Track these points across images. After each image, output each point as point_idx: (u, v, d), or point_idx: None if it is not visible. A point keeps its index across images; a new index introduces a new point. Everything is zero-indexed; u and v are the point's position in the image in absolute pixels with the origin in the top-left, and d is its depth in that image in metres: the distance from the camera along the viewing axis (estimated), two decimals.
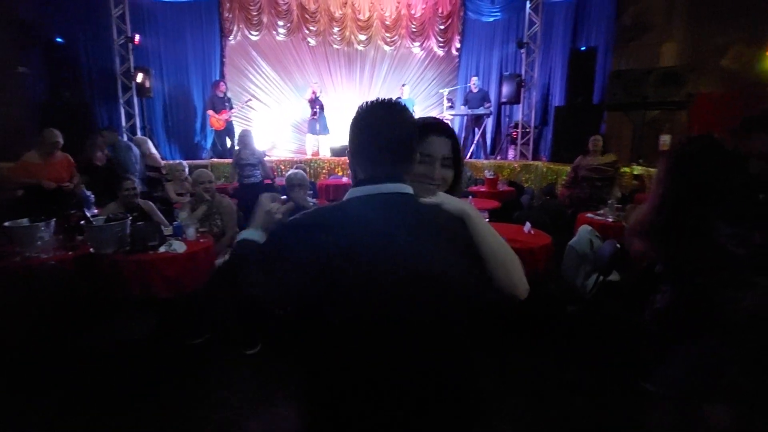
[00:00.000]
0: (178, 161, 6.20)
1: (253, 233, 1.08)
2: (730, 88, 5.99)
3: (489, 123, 9.25)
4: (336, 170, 8.16)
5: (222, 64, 8.77)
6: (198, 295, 3.15)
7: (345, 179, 7.15)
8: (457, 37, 9.65)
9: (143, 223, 3.24)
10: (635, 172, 6.05)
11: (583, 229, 3.59)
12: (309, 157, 8.58)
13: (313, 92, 8.62)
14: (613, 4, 7.66)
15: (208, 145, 8.55)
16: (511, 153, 8.90)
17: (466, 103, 8.73)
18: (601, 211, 4.14)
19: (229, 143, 8.18)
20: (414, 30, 9.61)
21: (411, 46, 9.75)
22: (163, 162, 6.36)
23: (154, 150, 6.27)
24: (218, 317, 3.32)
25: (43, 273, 2.75)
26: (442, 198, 1.04)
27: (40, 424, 2.39)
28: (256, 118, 9.21)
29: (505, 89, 8.58)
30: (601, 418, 2.44)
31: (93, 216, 3.42)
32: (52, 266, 2.83)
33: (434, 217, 0.99)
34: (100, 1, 7.20)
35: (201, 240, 3.33)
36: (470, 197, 4.68)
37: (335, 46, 9.51)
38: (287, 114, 9.50)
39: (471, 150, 8.86)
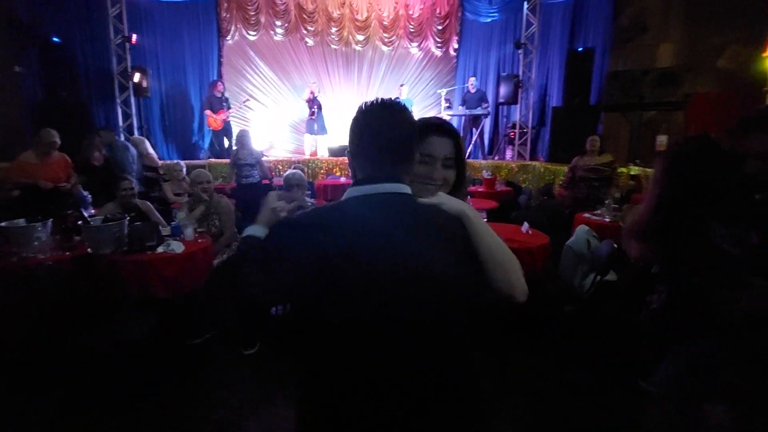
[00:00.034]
0: (175, 161, 6.19)
1: (258, 230, 1.09)
2: (727, 89, 6.02)
3: (487, 123, 9.27)
4: (334, 170, 8.16)
5: (219, 63, 8.75)
6: (198, 294, 3.15)
7: (343, 179, 7.15)
8: (455, 38, 9.66)
9: (141, 223, 3.24)
10: (632, 173, 6.07)
11: (581, 229, 3.60)
12: (307, 157, 8.57)
13: (311, 92, 8.61)
14: (610, 5, 7.68)
15: (206, 145, 8.53)
16: (508, 153, 8.92)
17: (463, 103, 8.74)
18: (599, 211, 4.15)
19: (226, 143, 8.16)
20: (412, 30, 9.62)
21: (409, 46, 9.75)
22: (160, 162, 6.35)
23: (151, 150, 6.25)
24: (218, 316, 3.32)
25: (40, 273, 2.74)
26: (441, 198, 1.04)
27: (40, 424, 2.38)
28: (253, 118, 9.20)
29: (503, 90, 8.60)
30: (601, 418, 2.44)
31: (90, 216, 3.41)
32: (49, 266, 2.82)
33: (432, 217, 0.99)
34: (97, 0, 7.18)
35: (199, 240, 3.32)
36: (468, 197, 4.68)
37: (333, 46, 9.50)
38: (285, 114, 9.50)
39: (469, 150, 8.87)
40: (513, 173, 8.08)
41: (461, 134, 8.86)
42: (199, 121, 8.56)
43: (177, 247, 3.08)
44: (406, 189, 1.01)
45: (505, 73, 8.90)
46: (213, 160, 7.80)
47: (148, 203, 3.87)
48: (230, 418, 2.44)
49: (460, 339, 0.99)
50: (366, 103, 1.02)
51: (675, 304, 1.45)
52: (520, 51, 8.52)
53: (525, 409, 2.55)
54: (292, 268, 0.91)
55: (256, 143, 6.55)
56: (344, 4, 9.32)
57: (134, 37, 7.37)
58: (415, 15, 9.57)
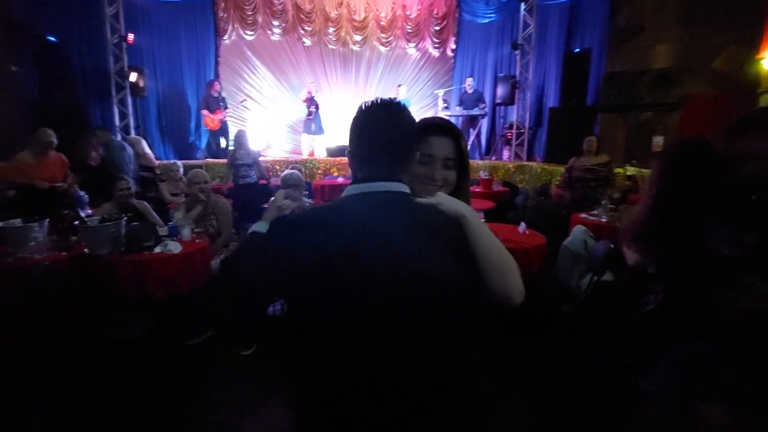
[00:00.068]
0: (172, 161, 6.17)
1: (263, 226, 1.10)
2: (723, 90, 6.05)
3: (484, 124, 9.29)
4: (331, 170, 8.16)
5: (217, 63, 8.72)
6: (195, 295, 3.14)
7: (341, 179, 7.15)
8: (452, 38, 9.67)
9: (138, 223, 3.23)
10: (628, 173, 6.09)
11: (577, 230, 3.62)
12: (304, 157, 8.57)
13: (309, 92, 8.61)
14: (606, 7, 7.70)
15: (203, 145, 8.51)
16: (505, 154, 8.94)
17: (461, 103, 8.76)
18: (595, 212, 4.17)
19: (223, 143, 8.14)
20: (409, 31, 9.63)
21: (406, 46, 9.76)
22: (157, 162, 6.33)
23: (148, 150, 6.23)
24: (217, 316, 3.32)
25: (36, 274, 2.73)
26: (440, 198, 1.03)
27: (40, 424, 2.38)
28: (251, 118, 9.18)
29: (500, 90, 8.61)
30: (601, 418, 2.44)
31: (87, 216, 3.40)
32: (45, 267, 2.81)
33: (429, 216, 0.98)
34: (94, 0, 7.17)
35: (196, 240, 3.32)
36: (470, 198, 4.69)
37: (330, 46, 9.51)
38: (282, 114, 9.49)
39: None
40: (510, 174, 8.10)
41: None
42: (196, 120, 8.54)
43: (174, 247, 3.07)
44: (404, 188, 1.01)
45: (502, 74, 8.92)
46: (210, 160, 7.79)
47: (145, 203, 3.87)
48: (230, 418, 2.44)
49: (460, 339, 1.00)
50: (366, 103, 1.02)
51: (674, 304, 1.45)
52: (517, 52, 8.53)
53: (525, 409, 2.55)
54: (290, 265, 0.91)
55: (254, 143, 6.54)
56: (342, 4, 9.32)
57: (131, 36, 7.35)
58: (413, 15, 9.58)
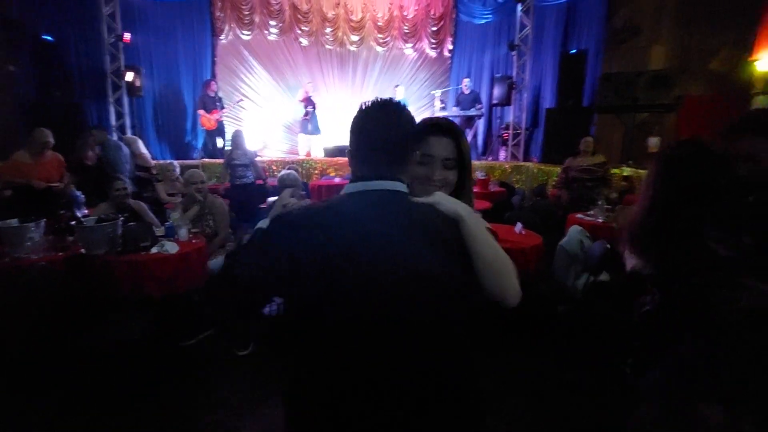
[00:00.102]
0: (169, 161, 6.15)
1: (267, 223, 1.10)
2: (719, 91, 6.08)
3: (480, 124, 9.31)
4: (328, 171, 8.15)
5: (213, 63, 8.71)
6: (195, 293, 3.14)
7: (338, 180, 7.14)
8: (449, 39, 9.69)
9: (135, 223, 3.22)
10: (625, 174, 6.12)
11: (574, 230, 3.63)
12: (301, 157, 8.56)
13: (306, 92, 8.60)
14: (603, 8, 7.74)
15: (199, 144, 8.50)
16: (502, 154, 8.96)
17: (457, 104, 8.77)
18: (591, 212, 4.18)
19: (220, 143, 8.13)
20: (406, 31, 9.64)
21: (403, 47, 9.77)
22: (153, 162, 6.31)
23: (144, 150, 6.21)
24: (216, 316, 3.32)
25: (33, 274, 2.72)
26: (437, 198, 1.02)
27: (40, 424, 2.38)
28: (247, 118, 9.16)
29: (497, 91, 8.64)
30: (601, 418, 2.43)
31: (84, 216, 3.39)
32: (42, 267, 2.80)
33: (426, 216, 0.98)
34: None
35: (193, 241, 3.32)
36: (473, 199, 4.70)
37: (327, 46, 9.50)
38: (279, 114, 9.47)
39: None
40: (506, 174, 8.12)
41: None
42: (193, 120, 8.52)
43: (171, 247, 3.07)
44: (402, 187, 1.01)
45: (498, 75, 8.94)
46: (206, 160, 7.77)
47: (142, 203, 3.85)
48: (230, 418, 2.44)
49: (460, 339, 1.00)
50: (365, 102, 1.03)
51: (673, 304, 1.46)
52: (513, 53, 8.55)
53: (525, 409, 2.55)
54: (287, 263, 0.92)
55: (250, 143, 6.53)
56: (339, 4, 9.32)
57: (128, 36, 7.32)
58: (410, 16, 9.58)
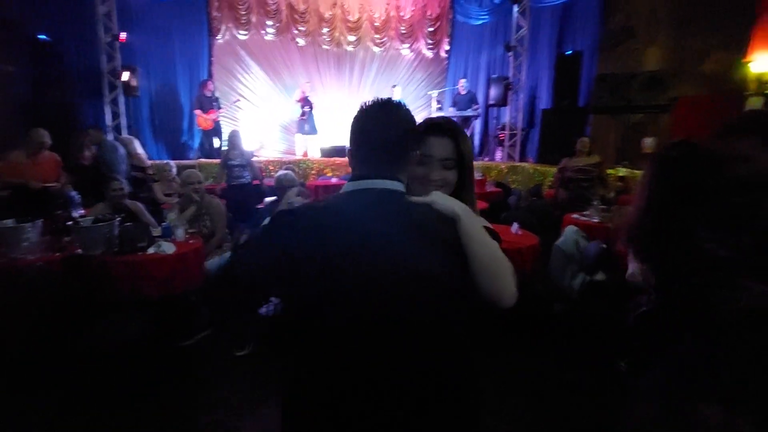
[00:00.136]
0: (165, 161, 6.14)
1: None
2: (712, 92, 6.12)
3: (477, 125, 9.34)
4: (325, 171, 8.13)
5: (210, 63, 8.70)
6: (190, 295, 3.14)
7: (334, 180, 7.14)
8: (446, 40, 9.72)
9: (132, 224, 3.22)
10: (620, 174, 6.15)
11: (569, 230, 3.65)
12: (298, 157, 8.55)
13: (303, 92, 8.59)
14: (598, 9, 7.77)
15: (196, 144, 8.47)
16: (498, 154, 8.99)
17: (454, 104, 8.79)
18: (587, 212, 4.20)
19: (216, 143, 8.11)
20: (403, 32, 9.65)
21: (400, 47, 9.79)
22: (149, 162, 6.28)
23: (140, 150, 6.17)
24: (214, 315, 3.32)
25: (31, 274, 2.72)
26: (434, 197, 1.00)
27: (39, 424, 2.38)
28: (244, 118, 9.15)
29: (493, 92, 8.66)
30: (601, 418, 2.42)
31: (81, 216, 3.38)
32: (39, 267, 2.79)
33: (422, 215, 0.97)
34: None
35: (190, 241, 3.31)
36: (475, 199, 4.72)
37: (324, 46, 9.50)
38: (276, 114, 9.46)
39: None
40: (503, 174, 8.14)
41: None
42: (189, 120, 8.50)
43: (168, 248, 3.07)
44: (399, 186, 1.01)
45: (495, 75, 8.96)
46: (203, 160, 7.74)
47: (139, 204, 3.84)
48: (230, 418, 2.45)
49: (460, 339, 1.00)
50: (366, 102, 1.04)
51: (674, 304, 1.46)
52: (510, 53, 8.57)
53: (525, 409, 2.55)
54: (287, 262, 0.93)
55: (247, 143, 6.52)
56: (336, 4, 9.32)
57: (124, 35, 7.29)
58: (406, 16, 9.60)
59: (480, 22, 9.37)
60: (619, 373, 2.35)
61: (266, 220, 1.14)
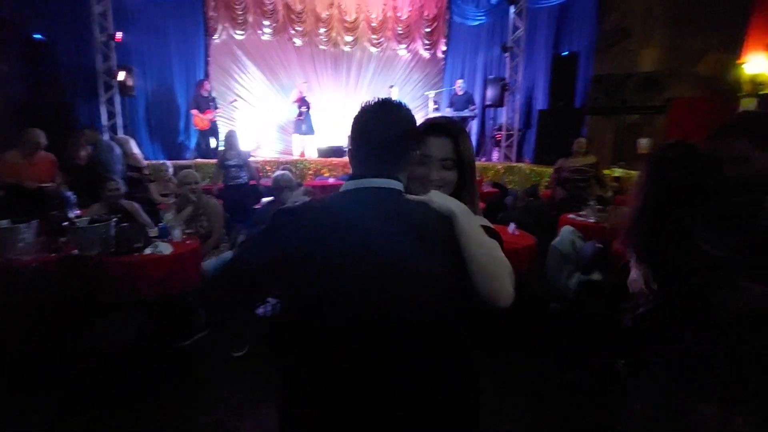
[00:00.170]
0: (161, 161, 6.11)
1: None
2: (707, 93, 6.16)
3: (474, 125, 9.36)
4: (322, 171, 8.13)
5: (206, 63, 8.68)
6: (187, 295, 3.13)
7: (332, 180, 7.14)
8: (443, 40, 9.74)
9: (128, 224, 3.21)
10: (616, 174, 6.18)
11: (566, 230, 3.67)
12: (295, 157, 8.54)
13: (300, 92, 8.58)
14: (594, 11, 7.80)
15: (192, 144, 8.45)
16: (495, 155, 9.02)
17: (451, 105, 8.82)
18: (583, 212, 4.22)
19: (213, 143, 8.09)
20: (400, 32, 9.66)
21: (397, 48, 9.80)
22: (146, 162, 6.25)
23: (136, 150, 6.13)
24: (212, 315, 3.31)
25: (27, 275, 2.70)
26: (432, 196, 1.00)
27: (39, 424, 2.37)
28: (240, 118, 9.13)
29: (490, 92, 8.69)
30: (601, 418, 2.41)
31: (76, 217, 3.37)
32: (35, 268, 2.78)
33: (422, 215, 0.97)
34: None
35: (187, 241, 3.31)
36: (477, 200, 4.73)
37: (321, 46, 9.50)
38: (273, 114, 9.45)
39: None
40: (499, 175, 8.15)
41: None
42: (186, 120, 8.48)
43: (165, 248, 3.06)
44: (397, 185, 1.01)
45: (491, 76, 8.99)
46: (199, 160, 7.72)
47: (135, 204, 3.83)
48: (230, 418, 2.45)
49: (459, 339, 1.00)
50: (366, 102, 1.04)
51: (673, 304, 1.47)
52: (506, 54, 8.59)
53: (525, 409, 2.56)
54: (286, 261, 0.93)
55: (244, 144, 6.50)
56: (332, 4, 9.32)
57: (119, 35, 7.26)
58: (403, 17, 9.62)
59: (477, 22, 9.40)
60: (616, 372, 2.35)
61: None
